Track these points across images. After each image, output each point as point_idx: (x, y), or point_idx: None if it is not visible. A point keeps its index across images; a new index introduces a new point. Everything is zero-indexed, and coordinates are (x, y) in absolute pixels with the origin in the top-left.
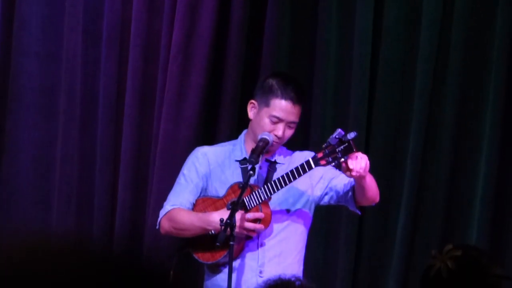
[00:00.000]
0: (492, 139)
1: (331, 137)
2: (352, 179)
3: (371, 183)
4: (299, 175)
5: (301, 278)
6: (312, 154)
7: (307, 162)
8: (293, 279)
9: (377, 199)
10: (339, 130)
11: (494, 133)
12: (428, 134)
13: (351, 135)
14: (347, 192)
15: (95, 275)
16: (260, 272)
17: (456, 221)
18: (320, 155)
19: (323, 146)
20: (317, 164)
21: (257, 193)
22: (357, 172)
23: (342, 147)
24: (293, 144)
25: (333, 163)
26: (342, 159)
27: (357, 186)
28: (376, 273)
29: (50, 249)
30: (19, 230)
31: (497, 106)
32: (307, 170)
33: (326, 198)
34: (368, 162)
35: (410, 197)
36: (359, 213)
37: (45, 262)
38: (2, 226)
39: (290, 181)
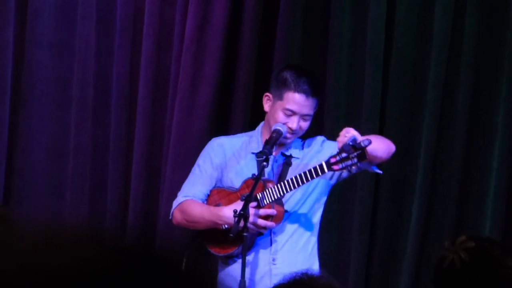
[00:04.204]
0: (506, 130)
1: (345, 143)
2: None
3: (378, 141)
4: (312, 177)
5: (312, 273)
6: (322, 138)
7: (320, 166)
8: (305, 277)
9: (393, 148)
10: (353, 136)
11: (507, 123)
12: (442, 124)
13: (365, 143)
14: None
15: (108, 264)
16: (273, 260)
17: (469, 212)
18: (333, 160)
19: (337, 151)
20: (330, 168)
21: (270, 190)
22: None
23: (355, 153)
24: (306, 137)
25: (346, 169)
26: (355, 166)
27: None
28: (389, 263)
29: (63, 239)
30: (32, 220)
31: (510, 96)
32: (320, 173)
33: (344, 172)
34: (351, 129)
35: (424, 188)
36: (381, 172)
37: (58, 253)
38: (15, 216)
39: (303, 183)
